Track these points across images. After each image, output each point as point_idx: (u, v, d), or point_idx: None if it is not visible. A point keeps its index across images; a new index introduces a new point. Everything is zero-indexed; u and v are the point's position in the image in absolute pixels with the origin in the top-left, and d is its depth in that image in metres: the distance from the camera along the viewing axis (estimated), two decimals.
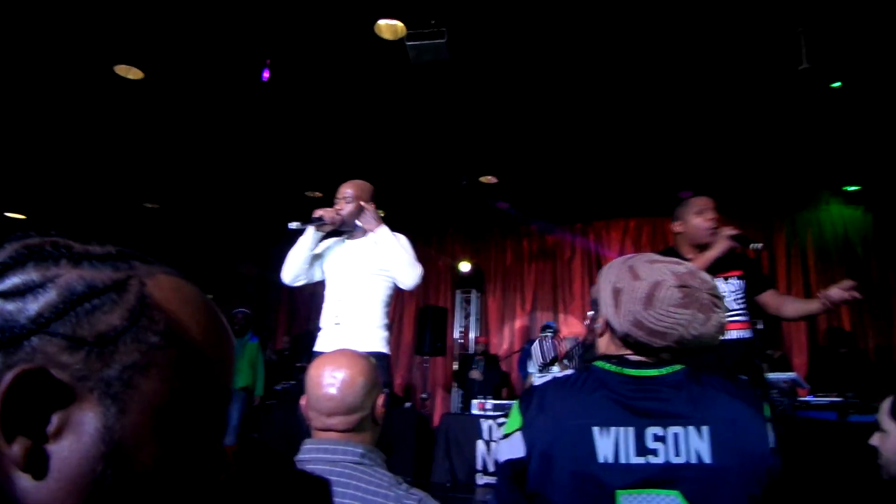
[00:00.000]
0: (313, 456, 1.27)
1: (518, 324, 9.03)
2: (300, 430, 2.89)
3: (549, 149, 6.57)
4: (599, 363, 1.29)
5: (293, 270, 3.13)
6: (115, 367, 0.45)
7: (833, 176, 7.12)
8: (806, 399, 4.96)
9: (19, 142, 6.40)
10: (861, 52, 4.59)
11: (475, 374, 7.47)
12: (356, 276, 3.06)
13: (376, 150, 6.61)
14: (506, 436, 1.27)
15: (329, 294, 3.12)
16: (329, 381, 1.31)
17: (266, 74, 4.67)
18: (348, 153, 6.62)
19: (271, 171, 7.24)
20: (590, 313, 1.44)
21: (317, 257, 3.20)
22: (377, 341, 2.99)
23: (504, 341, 8.99)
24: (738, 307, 2.97)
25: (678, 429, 1.16)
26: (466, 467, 5.78)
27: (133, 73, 5.10)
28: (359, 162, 6.65)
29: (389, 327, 3.12)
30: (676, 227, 3.11)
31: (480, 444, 5.74)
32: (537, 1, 4.18)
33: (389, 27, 4.52)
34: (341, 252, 3.17)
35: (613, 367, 1.27)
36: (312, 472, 1.22)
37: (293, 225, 3.07)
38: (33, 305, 0.44)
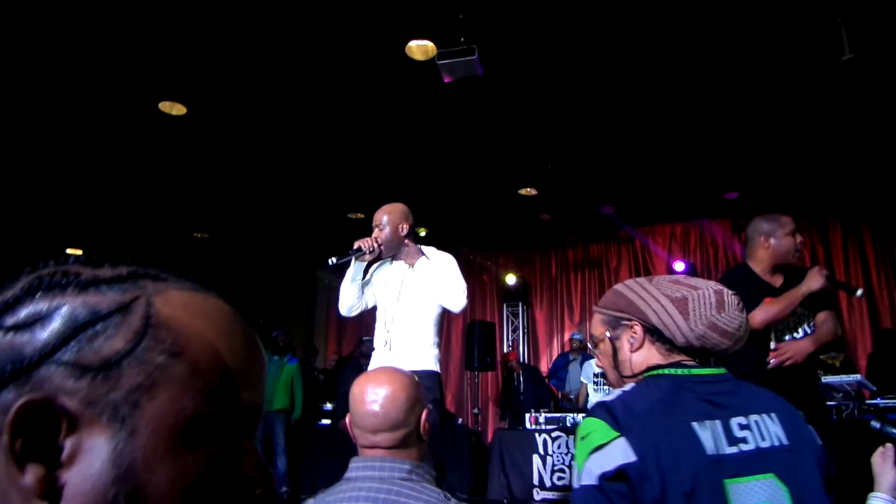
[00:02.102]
0: (361, 473, 1.27)
1: (567, 335, 8.93)
2: (343, 449, 2.93)
3: (588, 157, 6.51)
4: (663, 370, 1.36)
5: (347, 303, 3.21)
6: (121, 390, 0.45)
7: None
8: (874, 402, 4.75)
9: (76, 177, 6.68)
10: None
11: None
12: (404, 299, 3.09)
13: (415, 169, 6.66)
14: (599, 447, 1.22)
15: (379, 317, 3.16)
16: (372, 397, 1.32)
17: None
18: (388, 173, 6.69)
19: (314, 194, 7.37)
20: (607, 334, 1.46)
21: (366, 284, 3.25)
22: (428, 360, 3.01)
23: (554, 353, 8.89)
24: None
25: (756, 417, 1.26)
26: (523, 483, 5.71)
27: (177, 110, 5.29)
28: (399, 181, 6.72)
29: (440, 345, 3.13)
30: (763, 242, 2.93)
31: (536, 459, 5.66)
32: (565, 9, 4.18)
33: (420, 48, 4.57)
34: (388, 275, 3.21)
35: (682, 371, 1.34)
36: (361, 489, 1.22)
37: (332, 260, 3.07)
38: (41, 335, 0.45)
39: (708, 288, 1.36)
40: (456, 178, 7.00)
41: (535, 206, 7.85)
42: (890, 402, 4.68)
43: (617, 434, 1.22)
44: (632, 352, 1.40)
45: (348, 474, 1.29)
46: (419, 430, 1.35)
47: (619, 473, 1.18)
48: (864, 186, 7.32)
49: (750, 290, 2.61)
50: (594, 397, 6.76)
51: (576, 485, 1.24)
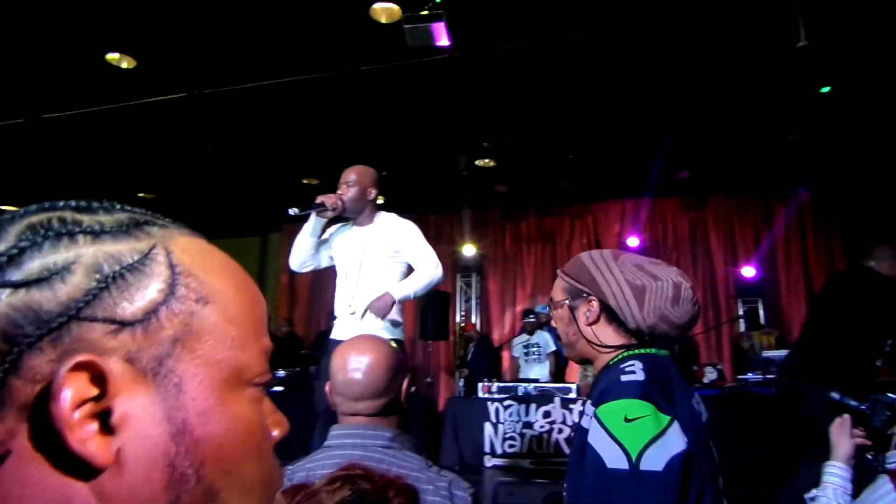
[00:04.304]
0: (343, 441, 1.27)
1: (519, 307, 9.05)
2: (313, 417, 2.91)
3: (547, 131, 6.55)
4: (652, 350, 1.44)
5: (300, 257, 3.12)
6: (163, 343, 0.43)
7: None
8: None
9: (16, 131, 6.34)
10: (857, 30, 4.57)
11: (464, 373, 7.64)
12: (367, 263, 3.03)
13: (374, 136, 6.57)
14: (659, 434, 1.23)
15: (340, 282, 3.10)
16: (355, 365, 1.31)
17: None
18: (345, 139, 6.58)
19: (268, 158, 7.20)
20: (566, 302, 1.50)
21: (323, 243, 3.17)
22: (389, 328, 2.98)
23: (506, 325, 9.02)
24: None
25: (697, 393, 1.45)
26: (474, 450, 5.81)
27: (126, 62, 5.04)
28: (356, 148, 6.61)
29: (402, 312, 3.11)
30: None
31: (488, 427, 5.76)
32: None
33: (385, 10, 4.47)
34: (349, 238, 3.15)
35: (663, 352, 1.46)
36: (343, 457, 1.21)
37: (293, 211, 3.01)
38: (63, 290, 0.40)
39: (668, 279, 1.40)
40: (414, 147, 6.94)
41: (492, 178, 7.87)
42: None
43: (669, 418, 1.25)
44: (587, 324, 1.46)
45: (329, 441, 1.28)
46: (400, 398, 1.35)
47: (680, 457, 1.21)
48: (809, 167, 7.60)
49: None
50: (525, 368, 7.11)
51: (621, 466, 1.21)
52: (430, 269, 3.03)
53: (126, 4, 4.30)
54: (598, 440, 1.25)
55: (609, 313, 1.45)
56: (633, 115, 6.12)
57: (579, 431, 1.36)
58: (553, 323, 1.57)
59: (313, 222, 3.06)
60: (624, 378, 1.34)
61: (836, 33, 4.60)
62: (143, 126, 6.31)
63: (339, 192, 3.06)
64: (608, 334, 1.45)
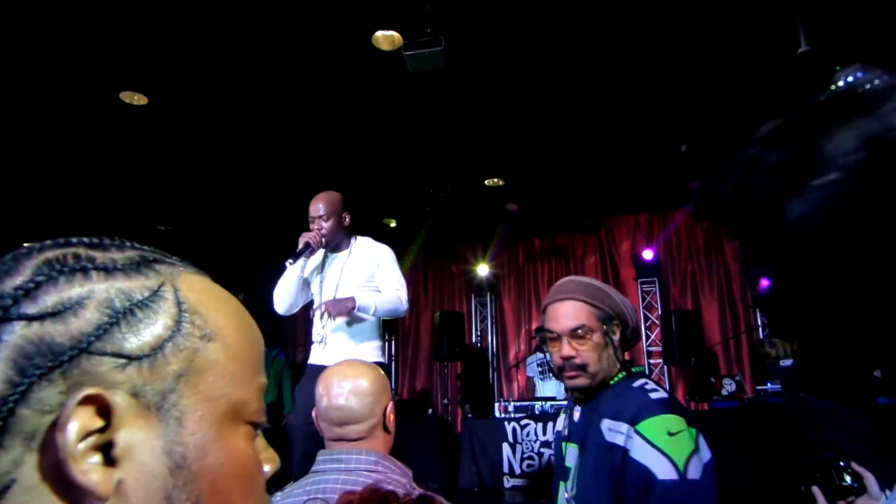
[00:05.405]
0: (328, 466, 1.28)
1: (535, 325, 9.01)
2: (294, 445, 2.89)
3: (554, 147, 6.56)
4: (638, 367, 1.62)
5: (287, 301, 3.06)
6: (167, 378, 0.44)
7: None
8: None
9: (34, 168, 6.50)
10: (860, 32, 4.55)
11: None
12: (343, 289, 3.00)
13: (382, 161, 6.64)
14: (696, 445, 1.38)
15: (315, 311, 3.07)
16: (337, 391, 1.33)
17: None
18: (353, 165, 6.66)
19: (278, 186, 7.29)
20: (603, 327, 1.58)
21: (305, 281, 3.15)
22: (368, 352, 2.94)
23: (521, 343, 8.98)
24: None
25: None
26: (493, 471, 5.77)
27: (138, 99, 5.18)
28: (365, 173, 6.69)
29: (382, 336, 3.08)
30: None
31: (505, 447, 5.73)
32: (531, 2, 4.20)
33: (387, 38, 4.55)
34: (326, 265, 3.14)
35: (639, 368, 1.63)
36: (328, 482, 1.23)
37: (289, 262, 3.00)
38: (75, 325, 0.42)
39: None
40: (423, 169, 6.99)
41: (502, 197, 7.89)
42: None
43: (695, 430, 1.39)
44: (616, 346, 1.56)
45: (315, 467, 1.30)
46: (385, 421, 1.37)
47: (711, 464, 1.37)
48: None
49: None
50: (540, 386, 7.05)
51: (672, 477, 1.33)
52: (398, 293, 2.99)
53: (133, 43, 4.43)
54: (644, 454, 1.35)
55: (627, 333, 1.59)
56: (643, 127, 6.12)
57: (599, 444, 1.45)
58: (576, 350, 1.55)
59: (299, 266, 3.03)
60: (654, 396, 1.44)
61: (838, 38, 4.58)
62: (157, 160, 6.44)
63: (314, 227, 3.03)
64: (624, 353, 1.60)
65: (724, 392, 5.92)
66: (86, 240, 0.49)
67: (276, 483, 1.36)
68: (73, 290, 0.43)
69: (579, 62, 4.92)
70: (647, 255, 8.12)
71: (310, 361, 3.02)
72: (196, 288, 0.50)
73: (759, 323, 7.61)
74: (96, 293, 0.44)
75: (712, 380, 6.26)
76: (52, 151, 6.10)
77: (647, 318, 8.12)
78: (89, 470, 0.40)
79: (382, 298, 2.97)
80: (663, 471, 1.32)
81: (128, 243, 0.50)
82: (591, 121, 5.96)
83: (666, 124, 6.05)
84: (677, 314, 7.22)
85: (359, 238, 3.20)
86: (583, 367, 1.54)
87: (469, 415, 7.13)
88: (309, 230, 3.04)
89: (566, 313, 1.55)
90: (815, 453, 3.21)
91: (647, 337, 8.04)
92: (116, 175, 6.76)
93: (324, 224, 3.02)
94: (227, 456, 0.46)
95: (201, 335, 0.47)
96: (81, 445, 0.40)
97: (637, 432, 1.36)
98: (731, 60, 4.96)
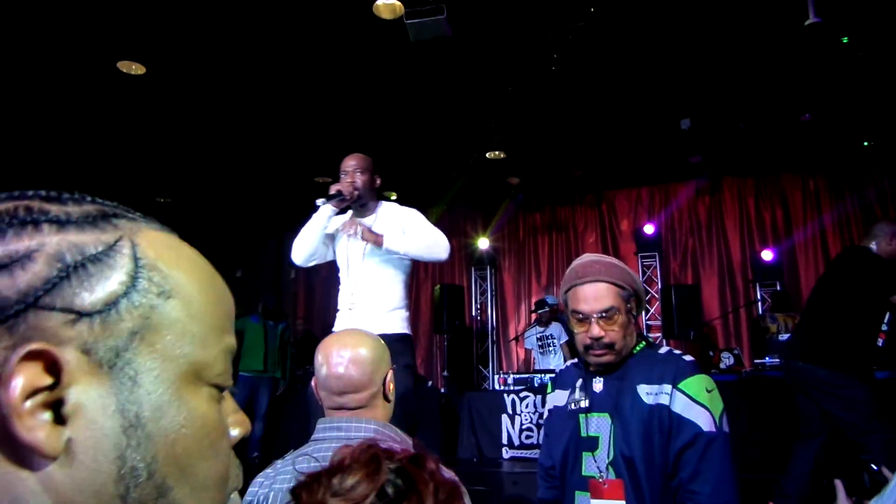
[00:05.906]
0: (327, 435, 1.29)
1: (535, 299, 9.03)
2: (313, 412, 2.90)
3: (556, 120, 6.50)
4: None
5: (307, 250, 3.01)
6: (120, 336, 0.42)
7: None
8: None
9: (32, 139, 6.46)
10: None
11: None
12: (369, 258, 2.96)
13: (383, 131, 6.59)
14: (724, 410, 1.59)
15: (343, 277, 3.04)
16: (336, 360, 1.33)
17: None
18: (356, 136, 6.60)
19: (279, 157, 7.25)
20: (627, 306, 1.69)
21: (329, 236, 3.09)
22: (396, 322, 2.92)
23: (521, 317, 9.00)
24: None
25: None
26: (492, 442, 5.83)
27: (136, 69, 5.11)
28: (366, 144, 6.62)
29: (408, 307, 3.04)
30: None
31: (505, 419, 5.77)
32: None
33: (388, 6, 4.48)
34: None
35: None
36: (328, 450, 1.23)
37: (320, 201, 2.94)
38: (23, 278, 0.40)
39: None
40: (424, 141, 6.94)
41: (503, 170, 7.84)
42: None
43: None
44: (636, 320, 1.71)
45: (314, 436, 1.30)
46: (384, 390, 1.37)
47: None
48: (824, 146, 7.47)
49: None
50: (541, 359, 7.12)
51: (712, 429, 1.54)
52: (435, 238, 2.94)
53: (132, 12, 4.36)
54: (688, 410, 1.53)
55: (639, 307, 1.73)
56: (644, 100, 6.06)
57: (639, 408, 1.59)
58: (605, 331, 1.63)
59: (326, 213, 2.97)
60: (686, 358, 1.64)
61: (846, 9, 4.51)
62: (156, 131, 6.39)
63: (347, 180, 2.98)
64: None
65: (722, 366, 5.96)
66: (42, 193, 0.46)
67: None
68: (20, 242, 0.41)
69: (581, 33, 4.85)
70: (649, 229, 8.10)
71: (336, 329, 2.92)
72: (157, 244, 0.47)
73: (759, 297, 7.62)
74: (46, 246, 0.42)
75: (711, 353, 6.30)
76: (48, 122, 6.05)
77: (646, 293, 8.13)
78: (35, 427, 0.39)
79: (416, 240, 2.91)
80: (706, 423, 1.52)
81: (88, 198, 0.48)
82: (593, 94, 5.89)
83: (669, 97, 5.99)
84: (677, 288, 7.24)
85: (384, 203, 3.15)
86: (610, 346, 1.63)
87: (445, 374, 7.19)
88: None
89: (596, 295, 1.62)
90: (810, 422, 3.25)
91: (647, 311, 8.06)
92: (114, 146, 6.70)
93: (357, 177, 2.96)
94: (185, 417, 0.44)
95: (159, 292, 0.45)
96: (29, 403, 0.39)
97: (680, 390, 1.54)
98: (737, 32, 4.88)
